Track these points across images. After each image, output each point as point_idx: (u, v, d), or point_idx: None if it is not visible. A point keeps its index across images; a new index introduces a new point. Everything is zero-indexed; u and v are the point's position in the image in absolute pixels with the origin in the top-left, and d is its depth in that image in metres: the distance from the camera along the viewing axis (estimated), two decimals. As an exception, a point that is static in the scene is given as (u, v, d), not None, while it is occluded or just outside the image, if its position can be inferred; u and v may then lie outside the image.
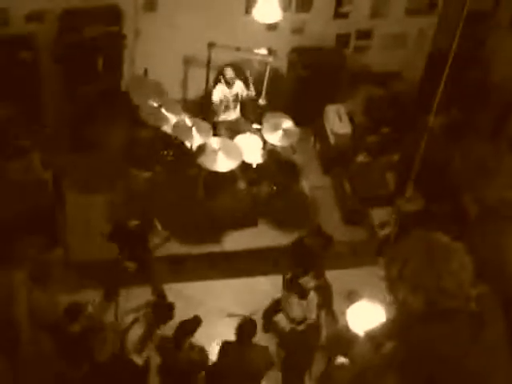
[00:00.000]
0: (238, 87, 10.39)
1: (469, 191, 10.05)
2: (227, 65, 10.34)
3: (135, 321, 8.26)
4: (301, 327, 8.01)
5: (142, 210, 9.30)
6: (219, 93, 10.32)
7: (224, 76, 10.27)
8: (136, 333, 8.82)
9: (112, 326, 8.70)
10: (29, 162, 9.64)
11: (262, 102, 10.15)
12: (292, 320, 8.03)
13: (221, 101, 10.32)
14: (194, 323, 7.93)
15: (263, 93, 10.09)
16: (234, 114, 10.55)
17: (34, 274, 8.85)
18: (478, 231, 8.87)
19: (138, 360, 7.95)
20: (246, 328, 7.85)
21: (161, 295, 9.27)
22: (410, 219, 9.34)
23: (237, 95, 10.41)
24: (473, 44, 11.08)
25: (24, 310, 8.45)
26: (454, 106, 10.58)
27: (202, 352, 7.99)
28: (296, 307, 8.10)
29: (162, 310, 8.44)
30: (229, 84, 10.28)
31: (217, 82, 10.50)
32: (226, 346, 7.95)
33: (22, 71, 9.95)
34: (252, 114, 10.53)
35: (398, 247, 4.59)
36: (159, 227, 9.47)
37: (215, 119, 10.38)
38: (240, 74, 10.48)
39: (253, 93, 10.36)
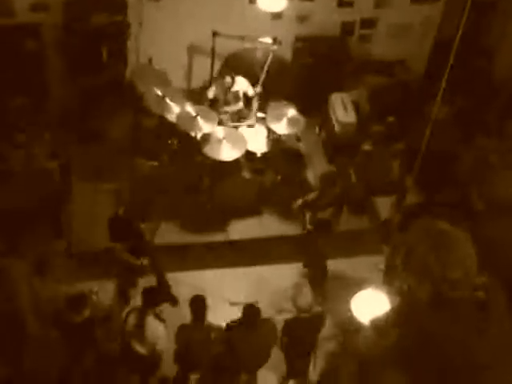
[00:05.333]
0: (240, 85, 10.34)
1: (473, 182, 10.04)
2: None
3: (130, 310, 8.25)
4: (305, 315, 8.03)
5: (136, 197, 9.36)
6: (216, 91, 10.32)
7: (225, 82, 10.23)
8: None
9: (117, 315, 8.70)
10: (35, 152, 9.66)
11: (257, 89, 10.13)
12: (298, 308, 8.05)
13: (217, 96, 10.31)
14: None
15: (261, 80, 10.06)
16: (236, 107, 10.53)
17: (38, 265, 8.87)
18: (483, 220, 8.87)
19: (142, 349, 7.95)
20: (250, 312, 7.89)
21: (162, 282, 9.32)
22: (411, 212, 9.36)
23: (237, 92, 10.37)
24: (478, 32, 11.07)
25: (28, 301, 8.47)
26: (460, 94, 10.56)
27: (221, 331, 8.02)
28: (305, 295, 8.12)
29: (152, 294, 8.37)
30: (228, 88, 10.26)
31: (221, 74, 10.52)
32: (232, 331, 8.01)
33: (27, 61, 9.96)
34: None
35: (403, 236, 4.60)
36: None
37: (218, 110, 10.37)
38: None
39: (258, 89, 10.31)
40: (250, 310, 7.92)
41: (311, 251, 9.65)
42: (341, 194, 9.26)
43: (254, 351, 8.03)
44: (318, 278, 9.54)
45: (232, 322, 8.06)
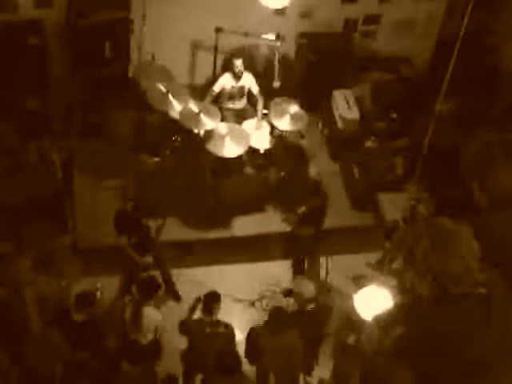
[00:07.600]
0: (246, 80, 10.30)
1: (476, 178, 10.03)
2: (237, 55, 10.25)
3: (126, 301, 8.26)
4: (311, 306, 8.03)
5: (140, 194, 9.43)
6: (223, 83, 10.25)
7: (233, 68, 10.15)
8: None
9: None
10: (39, 147, 9.69)
11: (276, 84, 10.08)
12: (305, 300, 8.05)
13: (223, 90, 10.27)
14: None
15: (276, 75, 10.01)
16: (240, 104, 10.51)
17: (43, 260, 8.89)
18: (486, 214, 8.86)
19: (141, 338, 7.95)
20: (277, 315, 7.90)
21: (167, 279, 9.32)
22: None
23: (243, 88, 10.35)
24: (482, 28, 11.03)
25: (32, 297, 8.47)
26: (464, 91, 10.53)
27: (228, 328, 8.02)
28: (307, 287, 8.13)
29: (147, 285, 8.38)
30: (237, 77, 10.19)
31: (225, 70, 10.47)
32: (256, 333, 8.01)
33: (30, 56, 9.95)
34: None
35: (405, 232, 4.60)
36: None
37: (221, 106, 10.34)
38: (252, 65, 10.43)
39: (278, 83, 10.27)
40: (278, 313, 7.92)
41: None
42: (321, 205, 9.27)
43: (279, 355, 8.00)
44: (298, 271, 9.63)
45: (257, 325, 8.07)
